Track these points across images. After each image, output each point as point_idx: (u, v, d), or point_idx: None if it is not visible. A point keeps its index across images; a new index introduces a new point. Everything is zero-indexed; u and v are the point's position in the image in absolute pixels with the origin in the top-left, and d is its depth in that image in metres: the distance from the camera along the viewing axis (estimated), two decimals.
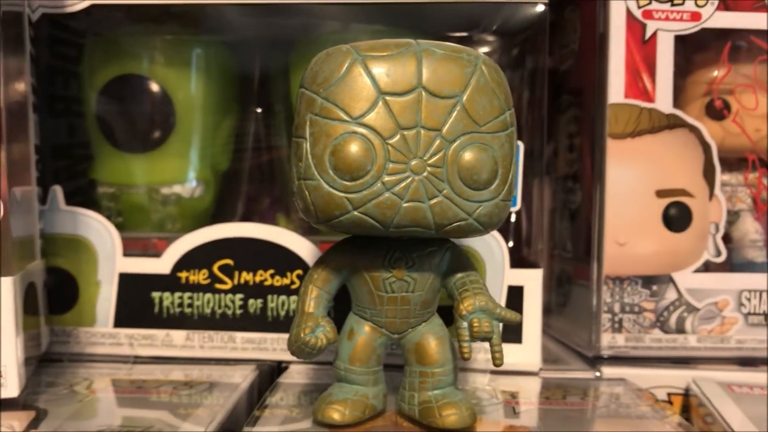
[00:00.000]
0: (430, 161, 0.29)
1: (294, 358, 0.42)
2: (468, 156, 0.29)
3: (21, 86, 0.38)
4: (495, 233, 0.43)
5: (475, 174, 0.29)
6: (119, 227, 0.46)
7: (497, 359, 0.31)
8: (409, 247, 0.32)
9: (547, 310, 0.58)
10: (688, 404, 0.44)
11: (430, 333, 0.33)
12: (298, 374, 0.43)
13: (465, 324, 0.31)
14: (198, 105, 0.47)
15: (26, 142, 0.39)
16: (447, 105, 0.29)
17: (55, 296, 0.45)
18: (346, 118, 0.29)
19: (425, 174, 0.29)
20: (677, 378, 0.45)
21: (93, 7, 0.45)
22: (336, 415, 0.32)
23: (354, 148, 0.29)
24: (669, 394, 0.45)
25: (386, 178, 0.29)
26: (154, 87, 0.46)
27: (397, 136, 0.29)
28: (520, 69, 0.44)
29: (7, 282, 0.33)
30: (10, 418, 0.33)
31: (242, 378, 0.40)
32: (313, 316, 0.32)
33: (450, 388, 0.33)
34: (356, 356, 0.33)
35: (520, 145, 0.43)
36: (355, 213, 0.29)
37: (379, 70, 0.29)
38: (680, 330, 0.46)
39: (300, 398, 0.37)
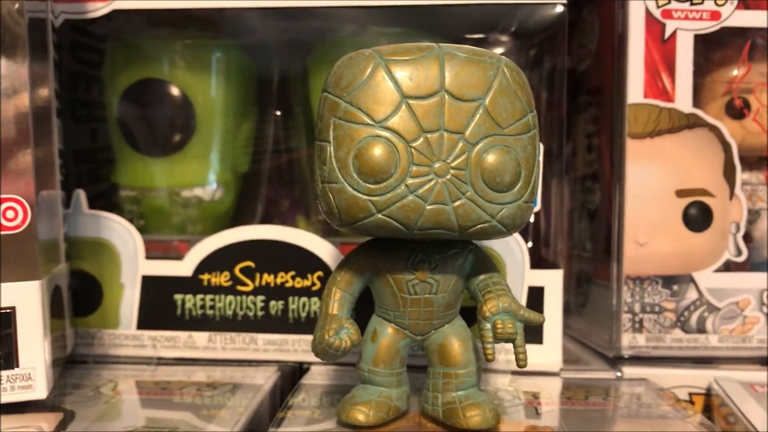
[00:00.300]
0: (453, 164, 0.29)
1: (316, 360, 0.43)
2: (491, 158, 0.29)
3: (45, 91, 0.39)
4: (515, 234, 0.43)
5: (498, 176, 0.29)
6: (141, 230, 0.46)
7: (521, 360, 0.31)
8: (431, 250, 0.32)
9: (566, 311, 0.57)
10: (710, 404, 0.44)
11: (453, 334, 0.33)
12: (320, 375, 0.43)
13: (488, 325, 0.31)
14: (218, 108, 0.47)
15: (50, 147, 0.40)
16: (470, 108, 0.29)
17: (79, 299, 0.46)
18: (369, 121, 0.29)
19: (449, 176, 0.29)
20: (699, 378, 0.44)
21: (114, 12, 0.45)
22: (360, 416, 0.32)
23: (378, 151, 0.29)
24: (690, 394, 0.45)
25: (410, 181, 0.29)
26: (175, 91, 0.47)
27: (421, 139, 0.29)
28: (539, 69, 0.44)
29: (35, 286, 0.34)
30: (39, 419, 0.33)
31: (264, 379, 0.41)
32: (336, 317, 0.32)
33: (473, 390, 0.33)
34: (380, 358, 0.33)
35: (541, 145, 0.43)
36: (379, 216, 0.29)
37: (402, 74, 0.29)
38: (701, 330, 0.46)
39: (322, 399, 0.37)
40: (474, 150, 0.29)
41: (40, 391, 0.34)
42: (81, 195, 0.46)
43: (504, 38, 0.44)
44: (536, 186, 0.31)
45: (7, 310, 0.33)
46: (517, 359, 0.31)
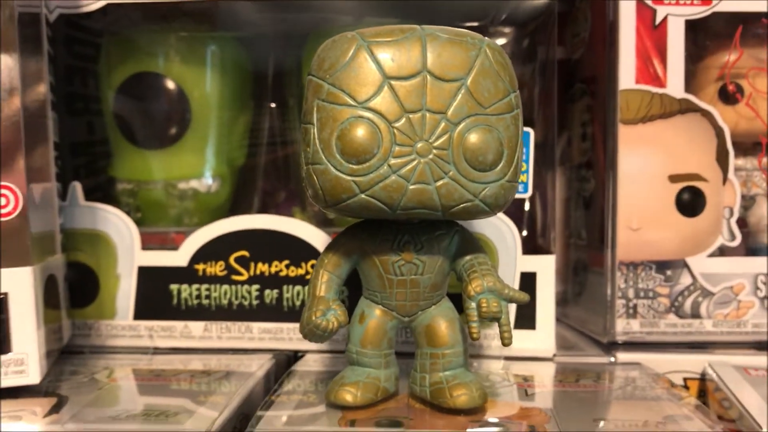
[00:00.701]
0: (435, 143, 0.29)
1: (311, 347, 0.43)
2: (473, 138, 0.29)
3: (40, 85, 0.39)
4: (507, 220, 0.44)
5: (480, 155, 0.29)
6: (138, 222, 0.47)
7: (506, 339, 0.31)
8: (417, 231, 0.33)
9: (564, 300, 0.58)
10: (704, 389, 0.44)
11: (440, 315, 0.33)
12: (314, 362, 0.43)
13: (473, 304, 0.31)
14: (213, 101, 0.47)
15: (45, 140, 0.40)
16: (452, 88, 0.29)
17: (76, 290, 0.46)
18: (352, 102, 0.29)
19: (431, 156, 0.29)
20: (693, 363, 0.44)
21: (109, 6, 0.45)
22: (348, 396, 0.32)
23: (360, 131, 0.29)
24: (685, 379, 0.45)
25: (392, 161, 0.29)
26: (170, 84, 0.47)
27: (403, 120, 0.29)
28: (531, 59, 0.44)
29: (27, 272, 0.34)
30: (33, 404, 0.34)
31: (258, 366, 0.41)
32: (324, 299, 0.32)
33: (461, 370, 0.33)
34: (368, 339, 0.33)
35: (531, 133, 0.43)
36: (363, 196, 0.30)
37: (384, 55, 0.29)
38: (695, 315, 0.46)
39: (316, 385, 0.38)
40: (456, 129, 0.30)
41: (33, 376, 0.34)
42: (77, 187, 0.46)
43: (496, 28, 0.44)
44: (519, 166, 0.31)
45: (1, 296, 0.33)
46: (502, 338, 0.31)
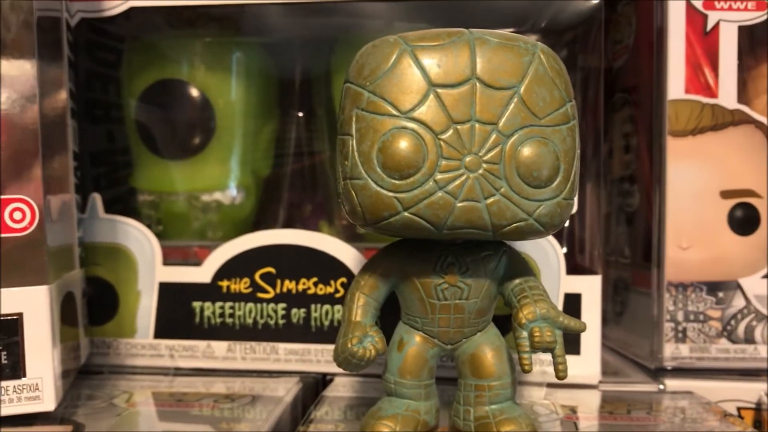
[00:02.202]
0: (486, 157, 0.27)
1: (339, 370, 0.41)
2: (527, 151, 0.27)
3: (59, 93, 0.37)
4: (550, 238, 0.41)
5: (535, 170, 0.27)
6: (160, 236, 0.45)
7: (561, 371, 0.29)
8: (462, 251, 0.30)
9: (603, 320, 0.55)
10: (760, 419, 0.41)
11: (486, 343, 0.31)
12: (343, 387, 0.41)
13: (525, 333, 0.29)
14: (238, 110, 0.45)
15: (65, 150, 0.38)
16: (503, 97, 0.27)
17: (95, 306, 0.44)
18: (394, 112, 0.27)
19: (481, 171, 0.27)
20: (747, 391, 0.42)
21: (132, 10, 0.44)
22: (386, 430, 0.30)
23: (403, 144, 0.27)
24: (739, 409, 0.42)
25: (439, 176, 0.27)
26: (194, 92, 0.45)
27: (450, 131, 0.27)
28: (573, 67, 0.42)
29: (43, 291, 0.32)
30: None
31: (285, 391, 0.39)
32: (360, 325, 0.30)
33: (508, 403, 0.31)
34: (407, 368, 0.31)
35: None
36: (406, 214, 0.27)
37: (429, 60, 0.27)
38: (749, 340, 0.43)
39: (346, 412, 0.35)
40: (508, 142, 0.27)
41: (48, 402, 0.32)
42: (97, 199, 0.44)
43: (536, 35, 0.42)
44: (576, 182, 0.29)
45: (14, 317, 0.31)
46: (556, 370, 0.29)
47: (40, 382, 0.32)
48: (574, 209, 0.41)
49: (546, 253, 0.41)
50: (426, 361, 0.31)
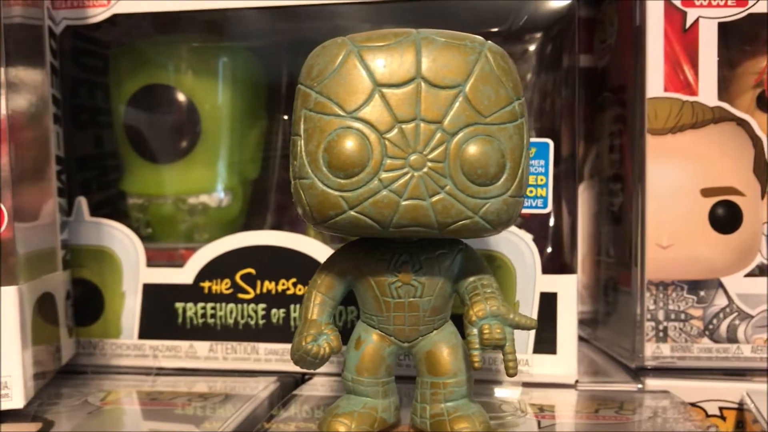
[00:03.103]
0: (430, 156, 0.27)
1: (320, 369, 0.41)
2: (472, 149, 0.27)
3: (36, 99, 0.38)
4: (526, 237, 0.41)
5: (479, 168, 0.27)
6: (149, 238, 0.45)
7: (510, 369, 0.29)
8: (417, 250, 0.30)
9: (594, 321, 0.55)
10: (742, 419, 0.41)
11: (442, 341, 0.31)
12: (321, 386, 0.41)
13: (475, 331, 0.29)
14: (225, 113, 0.46)
15: (43, 153, 0.39)
16: (448, 96, 0.27)
17: (81, 308, 0.45)
18: (340, 112, 0.27)
19: (425, 170, 0.27)
20: (730, 391, 0.41)
21: (116, 16, 0.44)
22: (342, 428, 0.30)
23: (348, 143, 0.27)
24: (721, 409, 0.42)
25: (383, 175, 0.27)
26: (180, 96, 0.46)
27: (395, 130, 0.27)
28: (552, 67, 0.42)
29: (10, 291, 0.33)
30: (17, 429, 0.32)
31: (258, 390, 0.39)
32: (315, 323, 0.30)
33: (464, 401, 0.31)
34: (364, 366, 0.31)
35: (550, 144, 0.41)
36: (352, 213, 0.27)
37: (374, 61, 0.27)
38: (732, 339, 0.43)
39: (314, 411, 0.36)
40: (453, 141, 0.27)
41: (16, 400, 0.33)
42: (82, 202, 0.45)
43: (514, 34, 0.42)
44: (524, 179, 0.29)
45: None
46: (506, 368, 0.29)
47: (9, 380, 0.33)
48: (549, 208, 0.41)
49: (521, 253, 0.41)
50: (383, 359, 0.31)
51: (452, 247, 0.31)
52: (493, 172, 0.27)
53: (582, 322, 0.56)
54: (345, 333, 0.32)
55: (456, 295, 0.31)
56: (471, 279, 0.30)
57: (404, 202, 0.27)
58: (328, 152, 0.27)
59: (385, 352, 0.31)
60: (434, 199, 0.27)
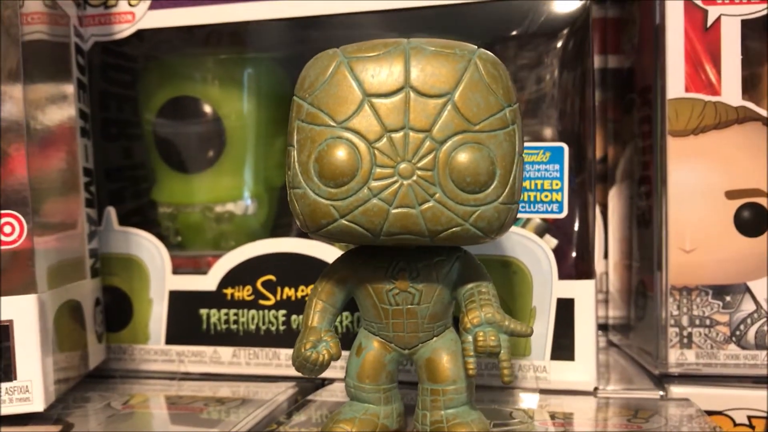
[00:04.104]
0: (419, 164, 0.27)
1: (339, 375, 0.41)
2: (460, 157, 0.27)
3: (60, 113, 0.40)
4: (541, 243, 0.41)
5: (468, 176, 0.27)
6: (179, 246, 0.47)
7: (506, 376, 0.29)
8: (414, 257, 0.30)
9: (626, 326, 0.54)
10: None
11: (442, 348, 0.31)
12: (341, 392, 0.41)
13: (470, 338, 0.29)
14: (249, 123, 0.47)
15: (71, 167, 0.41)
16: (437, 104, 0.27)
17: (112, 314, 0.47)
18: (330, 122, 0.28)
19: (414, 178, 0.27)
20: (759, 399, 0.40)
21: (141, 32, 0.46)
22: None
23: (338, 153, 0.27)
24: (749, 417, 0.40)
25: (373, 184, 0.27)
26: (205, 107, 0.47)
27: (384, 140, 0.27)
28: (566, 69, 0.41)
29: (32, 300, 0.34)
30: (36, 431, 0.34)
31: (277, 394, 0.40)
32: (315, 330, 0.31)
33: (464, 408, 0.31)
34: (365, 373, 0.31)
35: (565, 149, 0.40)
36: (343, 221, 0.28)
37: (364, 71, 0.28)
38: (761, 345, 0.41)
39: (326, 417, 0.36)
40: (442, 149, 0.27)
41: (37, 403, 0.34)
42: (111, 212, 0.47)
43: (529, 37, 0.42)
44: (517, 186, 0.29)
45: (5, 324, 0.33)
46: (501, 375, 0.29)
47: (30, 385, 0.34)
48: (564, 213, 0.40)
49: (538, 258, 0.41)
50: (384, 366, 0.31)
51: (450, 254, 0.31)
52: (483, 180, 0.27)
53: (614, 328, 0.55)
54: (350, 339, 0.32)
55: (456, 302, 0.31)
56: (469, 286, 0.30)
57: (394, 211, 0.27)
58: (319, 162, 0.28)
59: (386, 359, 0.31)
60: (424, 207, 0.27)
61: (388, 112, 0.27)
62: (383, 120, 0.27)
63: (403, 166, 0.27)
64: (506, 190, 0.28)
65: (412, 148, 0.27)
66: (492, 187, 0.28)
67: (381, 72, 0.27)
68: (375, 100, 0.27)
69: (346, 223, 0.28)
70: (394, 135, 0.27)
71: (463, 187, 0.27)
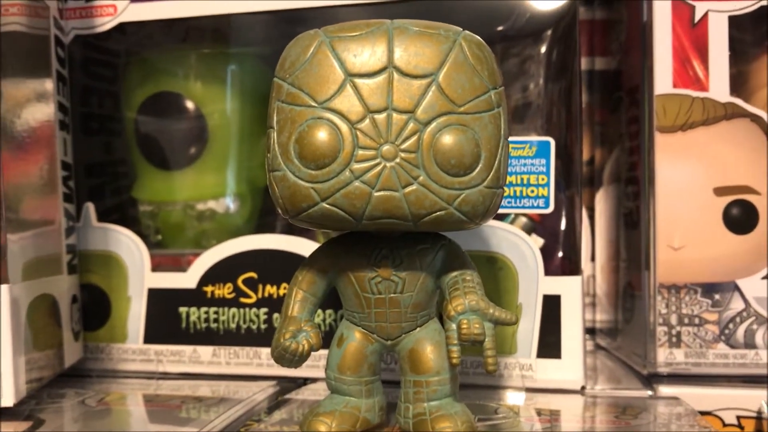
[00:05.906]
0: (403, 146, 0.27)
1: (321, 375, 0.40)
2: (445, 139, 0.26)
3: (36, 107, 0.39)
4: (527, 238, 0.40)
5: (453, 158, 0.26)
6: (159, 245, 0.46)
7: (489, 365, 0.28)
8: (398, 245, 0.30)
9: (614, 329, 0.53)
10: (761, 429, 0.39)
11: (425, 338, 0.30)
12: (324, 391, 0.40)
13: (453, 326, 0.28)
14: (233, 120, 0.46)
15: (48, 160, 0.40)
16: (421, 85, 0.27)
17: (90, 312, 0.46)
18: (311, 103, 0.27)
19: (398, 160, 0.27)
20: (748, 399, 0.40)
21: (124, 25, 0.45)
22: (322, 427, 0.29)
23: (319, 134, 0.27)
24: (739, 417, 0.40)
25: (355, 166, 0.27)
26: (187, 104, 0.46)
27: (366, 120, 0.27)
28: (553, 65, 0.41)
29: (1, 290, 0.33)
30: (7, 427, 0.33)
31: (255, 393, 0.39)
32: (295, 320, 0.30)
33: (447, 400, 0.30)
34: (346, 365, 0.30)
35: (551, 142, 0.40)
36: (324, 205, 0.27)
37: (346, 51, 0.27)
38: (750, 344, 0.41)
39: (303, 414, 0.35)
40: (426, 130, 0.27)
41: (6, 398, 0.33)
42: (90, 208, 0.46)
43: (515, 34, 0.41)
44: (502, 170, 0.28)
45: None
46: (485, 364, 0.28)
47: None
48: (551, 208, 0.40)
49: (523, 254, 0.40)
50: (365, 357, 0.30)
51: (434, 242, 0.30)
52: (468, 162, 0.27)
53: (602, 331, 0.55)
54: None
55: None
56: (453, 274, 0.30)
57: (376, 194, 0.27)
58: (299, 143, 0.27)
59: (367, 350, 0.30)
60: (407, 190, 0.27)
61: (370, 92, 0.27)
62: (366, 100, 0.27)
63: (386, 147, 0.27)
64: (491, 174, 0.27)
65: (396, 130, 0.27)
66: (477, 170, 0.27)
67: (363, 52, 0.27)
68: (357, 81, 0.27)
69: (327, 206, 0.27)
70: (377, 116, 0.27)
71: (447, 169, 0.26)
